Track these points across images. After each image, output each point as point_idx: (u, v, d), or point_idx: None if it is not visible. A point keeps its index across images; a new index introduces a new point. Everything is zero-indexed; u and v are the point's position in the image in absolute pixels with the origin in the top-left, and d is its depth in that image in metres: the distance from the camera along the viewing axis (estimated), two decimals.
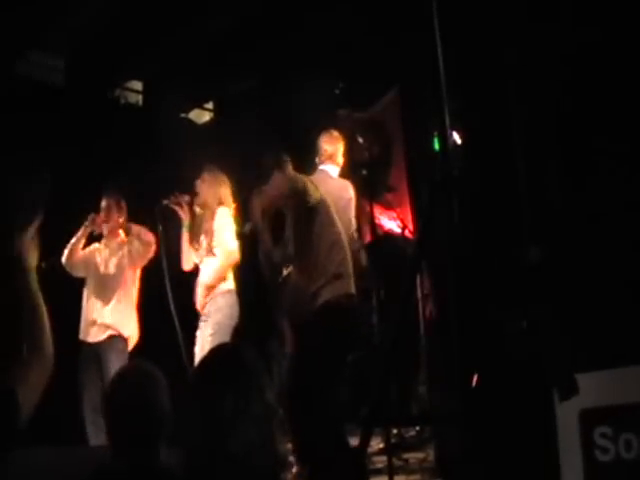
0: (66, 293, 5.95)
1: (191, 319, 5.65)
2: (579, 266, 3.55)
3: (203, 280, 5.61)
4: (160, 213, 5.73)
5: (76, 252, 5.95)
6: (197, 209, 5.73)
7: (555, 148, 3.69)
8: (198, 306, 5.61)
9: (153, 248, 5.86)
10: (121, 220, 6.08)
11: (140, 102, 7.67)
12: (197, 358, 5.41)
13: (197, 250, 5.68)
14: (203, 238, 5.65)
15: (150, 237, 5.86)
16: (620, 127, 3.69)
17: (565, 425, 2.96)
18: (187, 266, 5.73)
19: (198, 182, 5.70)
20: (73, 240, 5.92)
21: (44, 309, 2.60)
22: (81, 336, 5.86)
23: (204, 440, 2.14)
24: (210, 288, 5.55)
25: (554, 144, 3.69)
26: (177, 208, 5.69)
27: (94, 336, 5.81)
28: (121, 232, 6.11)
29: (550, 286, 3.38)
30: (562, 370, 2.93)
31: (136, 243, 5.93)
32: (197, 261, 5.69)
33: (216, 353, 2.46)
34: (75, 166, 6.55)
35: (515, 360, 3.08)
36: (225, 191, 5.72)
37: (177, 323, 5.64)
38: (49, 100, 6.71)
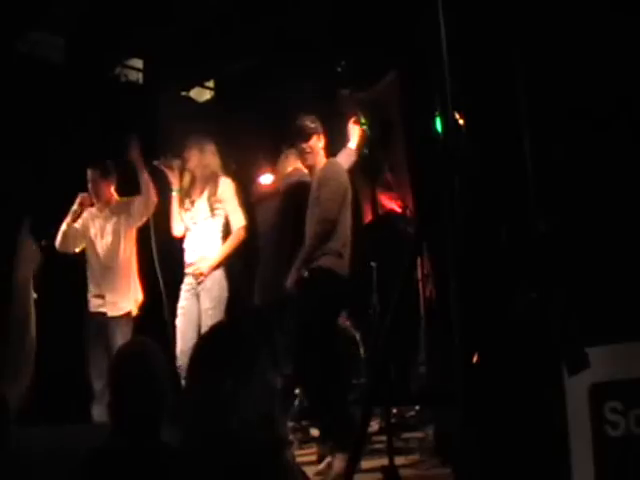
0: (70, 266, 5.98)
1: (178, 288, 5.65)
2: (590, 238, 3.52)
3: (201, 248, 5.57)
4: (161, 172, 5.73)
5: (68, 235, 5.92)
6: (186, 176, 5.69)
7: (563, 122, 3.67)
8: (189, 270, 5.57)
9: (153, 207, 5.83)
10: (111, 188, 6.03)
11: (140, 80, 7.64)
12: (183, 331, 5.40)
13: (187, 210, 5.63)
14: (202, 201, 5.62)
15: (154, 195, 5.82)
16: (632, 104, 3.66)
17: (574, 400, 2.94)
18: (177, 232, 5.70)
19: (187, 149, 5.66)
20: (63, 227, 5.90)
21: (31, 310, 2.61)
22: (91, 309, 5.85)
23: (204, 418, 2.14)
24: (211, 261, 5.52)
25: (562, 118, 3.67)
26: (167, 171, 5.65)
27: (97, 307, 5.81)
28: (115, 196, 6.06)
29: (560, 258, 3.36)
30: (572, 343, 2.92)
31: (138, 200, 5.88)
32: (188, 223, 5.63)
33: (217, 330, 2.43)
34: (74, 144, 6.53)
35: (523, 333, 3.07)
36: (217, 160, 5.70)
37: (163, 290, 5.65)
38: (49, 78, 6.67)
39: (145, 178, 5.80)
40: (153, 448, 2.67)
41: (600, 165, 3.63)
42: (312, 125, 5.05)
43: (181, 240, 5.69)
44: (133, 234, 5.94)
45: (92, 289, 5.85)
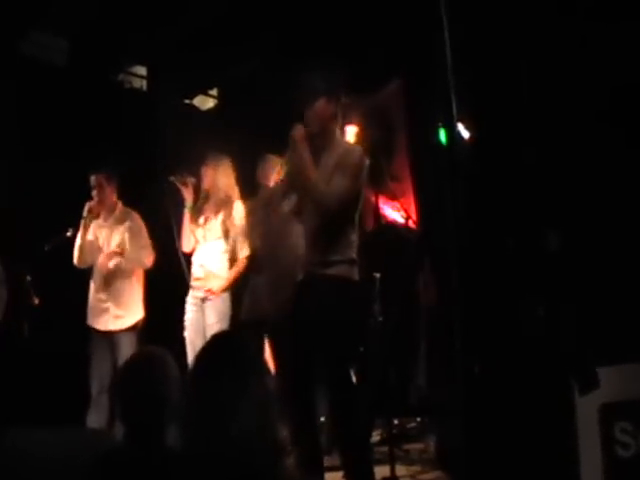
0: (72, 276, 5.95)
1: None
2: (600, 255, 3.50)
3: (208, 263, 5.60)
4: (166, 189, 5.73)
5: (84, 251, 5.86)
6: (201, 193, 5.73)
7: (568, 132, 3.65)
8: (196, 284, 5.59)
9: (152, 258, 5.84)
10: (115, 195, 5.99)
11: (144, 87, 7.64)
12: (193, 340, 5.41)
13: (200, 227, 5.68)
14: (216, 222, 5.66)
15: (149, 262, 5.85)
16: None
17: (585, 420, 2.92)
18: (187, 248, 5.72)
19: (204, 167, 5.71)
20: (79, 241, 5.83)
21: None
22: (89, 322, 5.81)
23: (204, 425, 2.18)
24: (213, 275, 5.54)
25: (567, 128, 3.65)
26: (182, 187, 5.68)
27: (103, 324, 5.77)
28: (119, 204, 6.03)
29: (569, 275, 3.34)
30: (582, 363, 2.90)
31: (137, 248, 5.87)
32: (199, 238, 5.68)
33: (216, 340, 2.48)
34: (79, 150, 6.52)
35: (533, 351, 3.05)
36: (231, 181, 5.73)
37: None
38: (52, 81, 6.67)
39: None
40: (159, 454, 2.67)
41: (611, 179, 3.61)
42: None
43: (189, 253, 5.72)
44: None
45: (95, 302, 5.82)
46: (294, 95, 4.28)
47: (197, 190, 5.80)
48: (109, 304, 5.77)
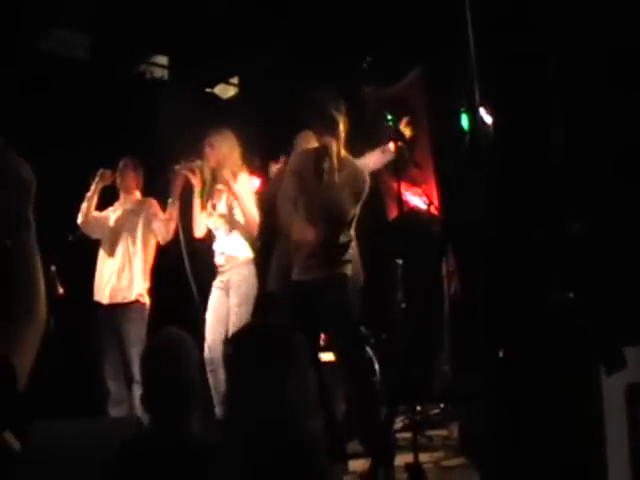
0: (92, 265, 6.00)
1: (207, 285, 5.66)
2: (626, 236, 3.47)
3: (228, 249, 5.57)
4: (173, 179, 5.72)
5: (89, 211, 5.91)
6: (207, 175, 5.65)
7: (597, 118, 3.60)
8: (221, 270, 5.57)
9: (173, 225, 5.84)
10: (137, 181, 6.05)
11: (165, 77, 7.66)
12: (213, 326, 5.43)
13: (211, 215, 5.63)
14: (222, 202, 5.61)
15: (167, 215, 5.84)
16: None
17: (611, 400, 2.90)
18: (199, 233, 5.66)
19: (206, 147, 5.60)
20: (85, 200, 5.90)
21: (39, 274, 2.64)
22: (96, 297, 5.84)
23: (256, 407, 2.22)
24: (235, 259, 5.54)
25: (596, 114, 3.60)
26: (189, 174, 5.65)
27: (109, 298, 5.79)
28: (137, 193, 6.08)
29: (596, 257, 3.31)
30: (608, 343, 2.88)
31: (156, 222, 5.90)
32: (212, 226, 5.63)
33: (262, 329, 2.50)
34: (99, 141, 6.57)
35: (558, 333, 3.03)
36: (236, 154, 5.62)
37: (194, 290, 5.66)
38: (74, 76, 6.71)
39: (172, 215, 5.83)
40: (184, 440, 2.69)
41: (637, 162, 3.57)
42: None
43: (208, 240, 5.71)
44: (152, 238, 5.96)
45: (102, 279, 5.86)
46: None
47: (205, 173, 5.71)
48: (113, 278, 5.81)
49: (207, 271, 5.71)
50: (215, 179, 5.62)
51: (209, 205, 5.63)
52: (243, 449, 2.20)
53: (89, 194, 5.90)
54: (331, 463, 2.38)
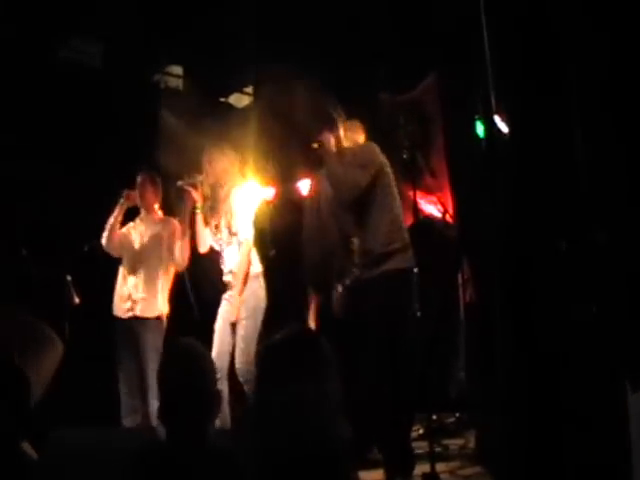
0: (107, 275, 6.01)
1: (209, 302, 5.70)
2: None
3: (231, 266, 5.54)
4: (176, 195, 5.72)
5: (114, 232, 5.91)
6: (207, 191, 5.60)
7: (618, 127, 3.56)
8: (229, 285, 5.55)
9: (188, 253, 5.83)
10: (156, 196, 6.06)
11: (180, 86, 7.68)
12: (220, 336, 5.37)
13: (215, 235, 5.60)
14: (223, 221, 5.58)
15: (185, 243, 5.83)
16: None
17: (638, 416, 2.87)
18: (203, 248, 5.65)
19: (205, 163, 5.56)
20: (110, 220, 5.88)
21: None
22: (115, 312, 5.86)
23: (285, 424, 2.25)
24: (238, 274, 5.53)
25: (617, 123, 3.56)
26: (191, 189, 5.60)
27: (128, 312, 5.81)
28: (157, 208, 6.07)
29: (621, 269, 3.27)
30: (635, 359, 2.86)
31: (176, 248, 5.89)
32: (217, 247, 5.60)
33: (294, 341, 2.51)
34: (114, 151, 6.59)
35: (584, 347, 3.00)
36: (232, 169, 5.61)
37: (195, 307, 5.67)
38: (88, 85, 6.74)
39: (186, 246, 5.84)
40: (203, 450, 2.69)
41: None
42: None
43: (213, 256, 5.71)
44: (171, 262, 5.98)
45: (122, 292, 5.87)
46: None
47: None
48: (134, 293, 5.83)
49: (209, 284, 5.76)
50: (215, 195, 5.62)
51: (212, 225, 5.63)
52: (271, 459, 2.20)
53: (114, 215, 5.88)
54: (357, 473, 2.38)
